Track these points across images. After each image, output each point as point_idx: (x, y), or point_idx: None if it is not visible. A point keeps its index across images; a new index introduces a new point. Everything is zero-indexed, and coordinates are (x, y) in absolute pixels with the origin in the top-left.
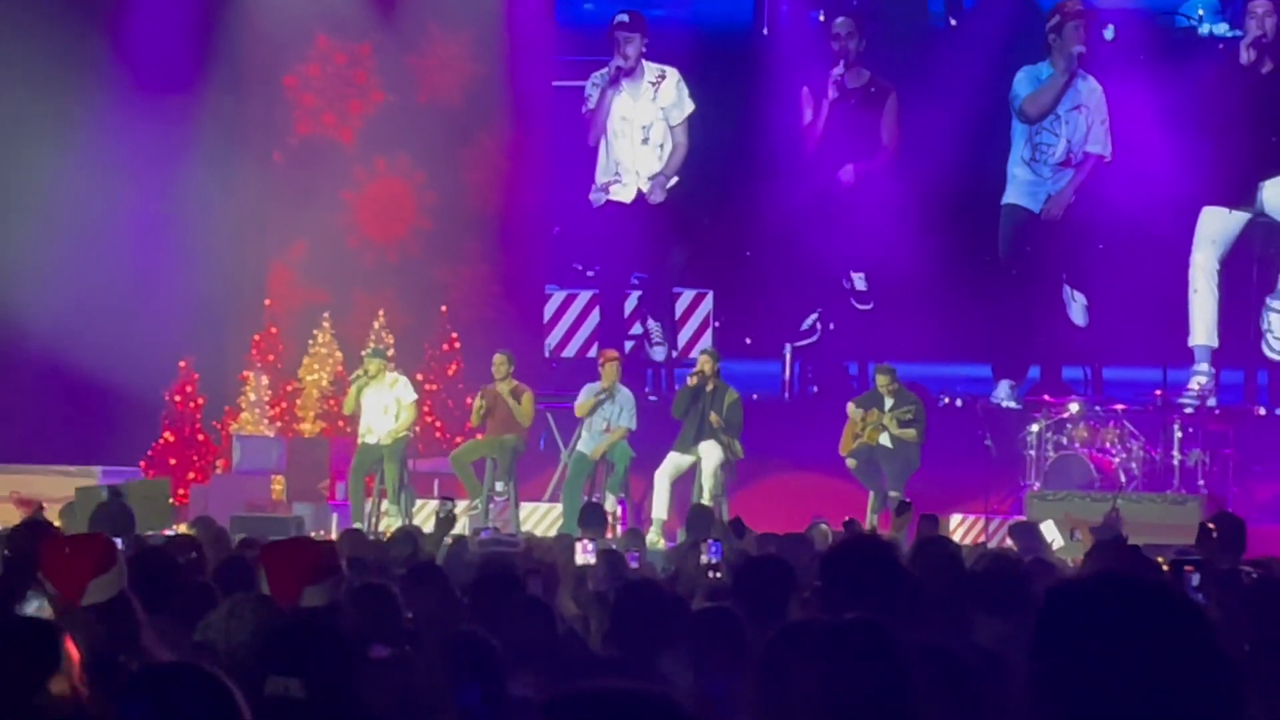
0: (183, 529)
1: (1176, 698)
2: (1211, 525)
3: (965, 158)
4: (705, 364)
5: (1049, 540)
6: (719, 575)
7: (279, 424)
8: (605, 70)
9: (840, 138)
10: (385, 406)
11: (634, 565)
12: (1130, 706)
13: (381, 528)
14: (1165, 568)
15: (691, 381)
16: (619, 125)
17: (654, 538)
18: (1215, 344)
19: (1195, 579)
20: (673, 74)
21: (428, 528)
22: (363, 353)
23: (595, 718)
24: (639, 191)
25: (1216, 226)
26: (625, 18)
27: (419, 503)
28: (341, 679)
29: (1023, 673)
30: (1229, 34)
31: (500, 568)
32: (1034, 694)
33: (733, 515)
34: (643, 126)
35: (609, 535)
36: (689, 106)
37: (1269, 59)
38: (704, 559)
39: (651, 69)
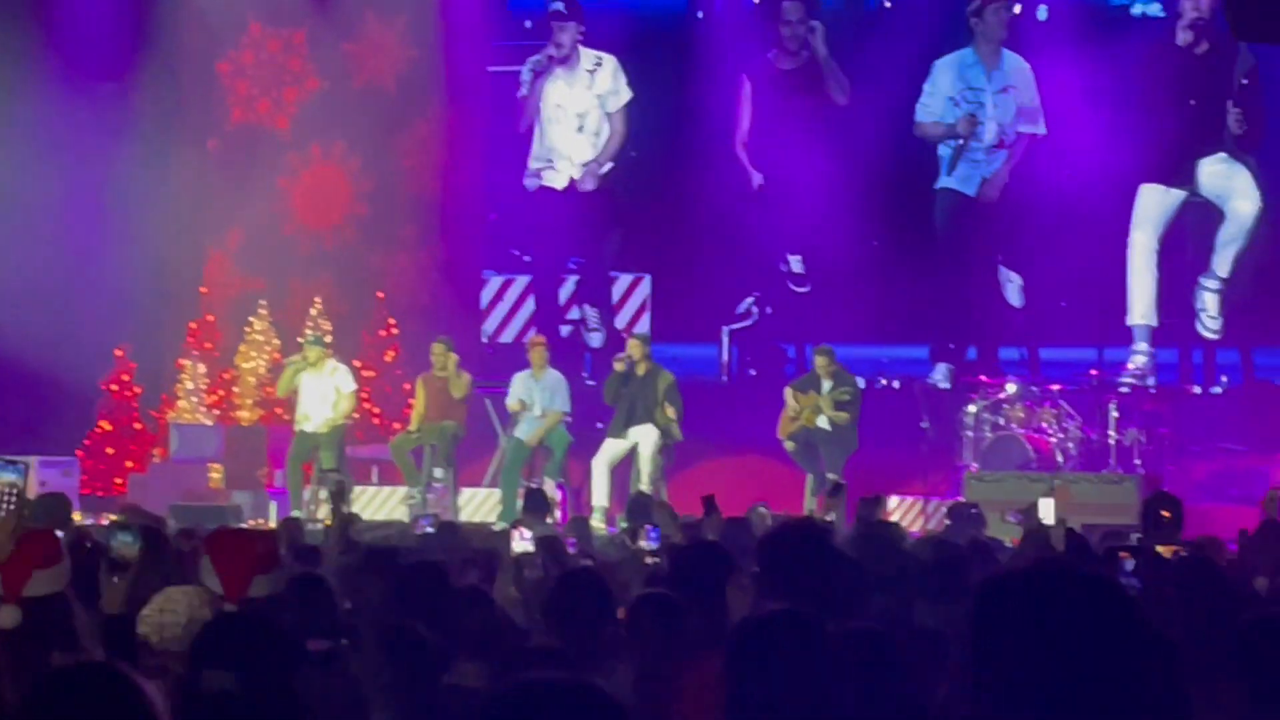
0: (114, 518)
1: (1110, 685)
2: (1166, 514)
3: (901, 140)
4: (633, 349)
5: (1043, 518)
6: (657, 561)
7: (216, 412)
8: (539, 56)
9: (779, 122)
10: (324, 394)
11: (573, 552)
12: (1064, 695)
13: (320, 515)
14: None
15: (619, 366)
16: (554, 112)
17: (595, 524)
18: (1154, 323)
19: (1130, 564)
20: (610, 61)
21: (365, 514)
22: (301, 339)
23: (529, 711)
24: (570, 179)
25: (1154, 205)
26: (560, 6)
27: (356, 490)
28: (277, 672)
29: (959, 662)
30: (1162, 15)
31: (431, 558)
32: (971, 684)
33: (680, 498)
34: (578, 114)
35: (550, 521)
36: (626, 94)
37: (1205, 39)
38: (642, 545)
39: (588, 56)
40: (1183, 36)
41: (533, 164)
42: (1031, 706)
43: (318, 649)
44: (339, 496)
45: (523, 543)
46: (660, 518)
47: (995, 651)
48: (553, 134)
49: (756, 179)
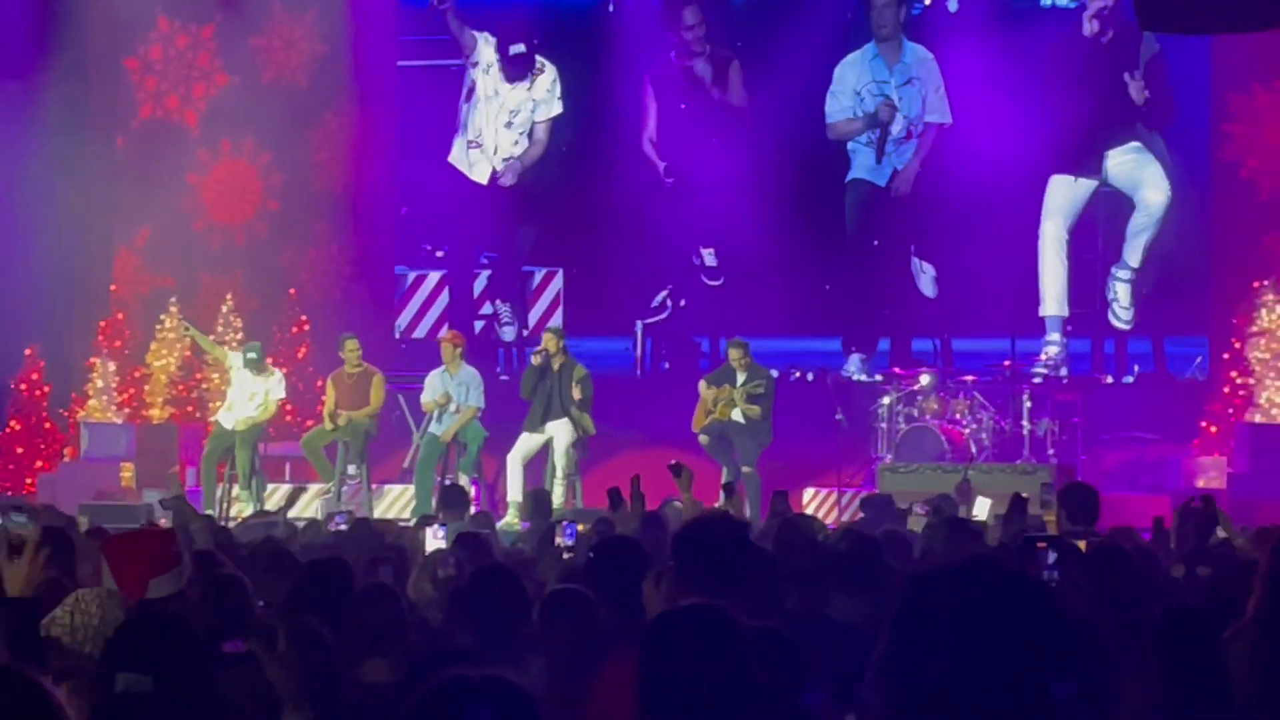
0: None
1: (1030, 682)
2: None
3: (810, 133)
4: (549, 342)
5: (975, 514)
6: (571, 556)
7: (127, 410)
8: (497, 54)
9: (684, 119)
10: (253, 394)
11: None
12: (984, 692)
13: (233, 513)
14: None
15: (536, 360)
16: (491, 97)
17: (511, 519)
18: (1066, 313)
19: (1051, 556)
20: (551, 71)
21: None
22: (248, 354)
23: (448, 708)
24: (493, 172)
25: (1063, 195)
26: (522, 49)
27: (270, 487)
28: (192, 673)
29: (878, 659)
30: (1071, 5)
31: (333, 554)
32: (889, 678)
33: (591, 492)
34: (511, 110)
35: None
36: (557, 108)
37: (1110, 28)
38: (559, 541)
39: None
40: (1089, 26)
41: (457, 150)
42: (951, 703)
43: (235, 650)
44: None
45: (436, 540)
46: (620, 513)
47: (917, 647)
48: (485, 114)
49: (666, 178)
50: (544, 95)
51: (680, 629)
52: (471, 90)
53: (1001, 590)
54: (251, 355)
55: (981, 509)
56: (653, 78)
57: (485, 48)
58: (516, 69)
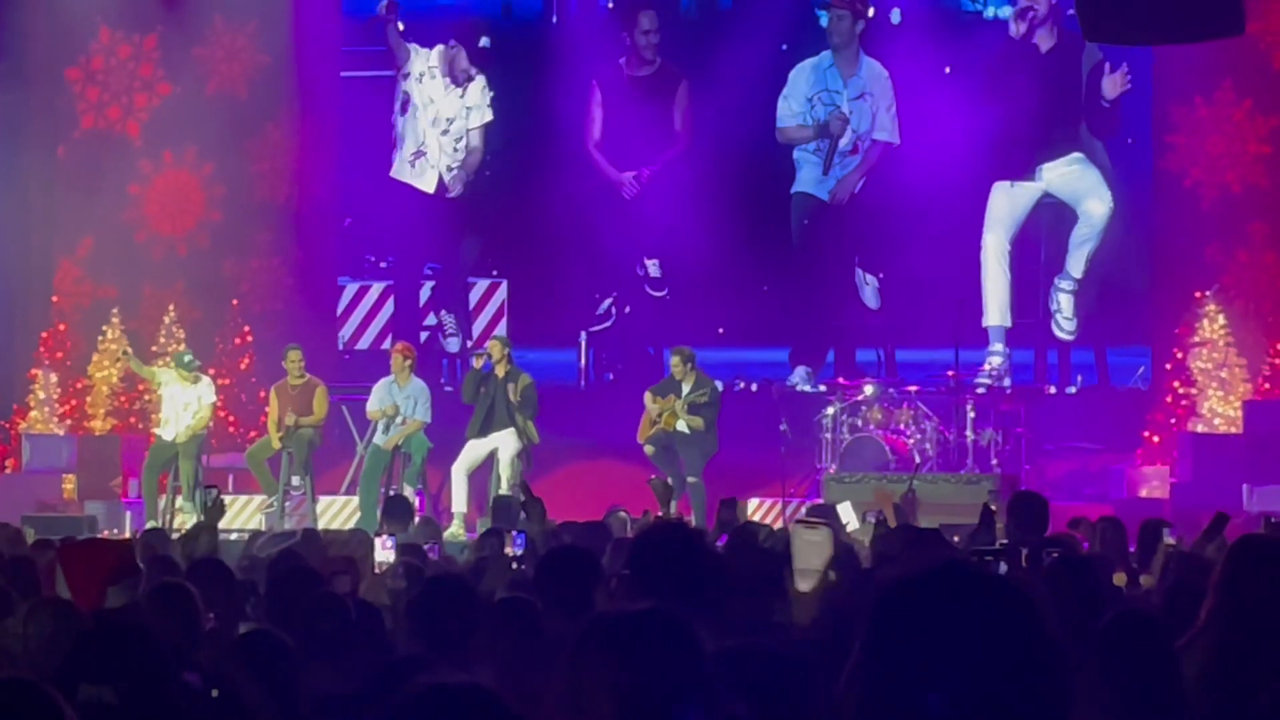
0: None
1: (1009, 688)
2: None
3: (755, 144)
4: (493, 349)
5: (845, 522)
6: (521, 566)
7: (69, 422)
8: (429, 54)
9: (631, 128)
10: (187, 403)
11: (434, 558)
12: (962, 697)
13: (176, 524)
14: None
15: (477, 364)
16: (426, 105)
17: (456, 530)
18: (1009, 324)
19: (1002, 567)
20: (480, 80)
21: (222, 523)
22: (177, 358)
23: (426, 716)
24: (440, 179)
25: (1005, 206)
26: (488, 41)
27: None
28: (154, 684)
29: (852, 665)
30: (1009, 16)
31: (294, 564)
32: (861, 683)
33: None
34: (447, 118)
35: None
36: (488, 115)
37: (1051, 39)
38: (508, 550)
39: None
40: (1015, 27)
41: (398, 164)
42: (927, 708)
43: (193, 683)
44: (217, 510)
45: (385, 551)
46: (533, 513)
47: (892, 652)
48: (420, 128)
49: (629, 187)
50: (476, 101)
51: (614, 633)
52: (406, 102)
53: (979, 594)
54: (187, 358)
55: (845, 514)
56: (601, 84)
57: (417, 59)
58: (473, 64)
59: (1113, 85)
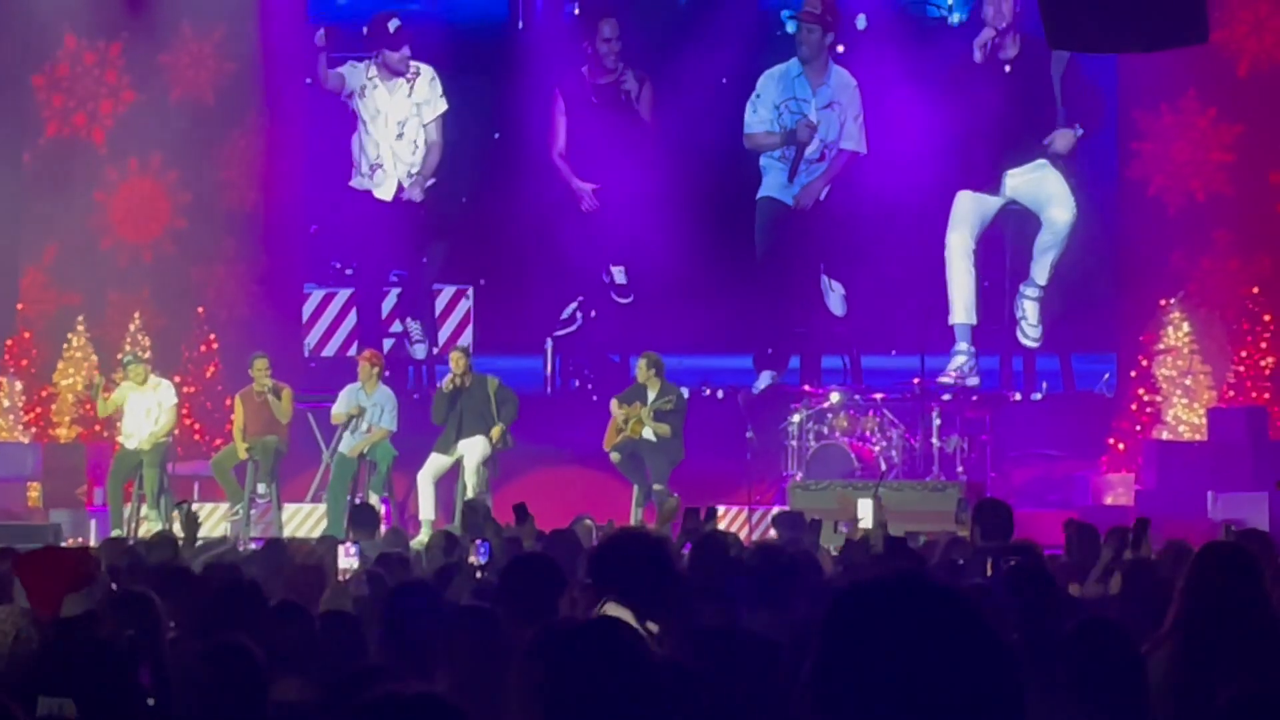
0: None
1: (960, 698)
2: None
3: (721, 150)
4: (456, 363)
5: (860, 518)
6: (483, 575)
7: (34, 430)
8: (368, 65)
9: (594, 136)
10: (148, 410)
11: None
12: (912, 707)
13: (141, 533)
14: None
15: (446, 387)
16: (375, 117)
17: (424, 538)
18: (974, 321)
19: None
20: (427, 71)
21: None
22: (120, 358)
23: None
24: (399, 186)
25: (969, 209)
26: (399, 22)
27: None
28: (113, 694)
29: (804, 675)
30: (964, 19)
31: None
32: (813, 694)
33: (497, 510)
34: (398, 122)
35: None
36: (441, 105)
37: (1014, 47)
38: (472, 559)
39: (408, 65)
40: (978, 54)
41: (357, 180)
42: (875, 715)
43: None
44: (193, 523)
45: (349, 559)
46: (487, 531)
47: (844, 662)
48: (374, 141)
49: (587, 200)
50: (425, 95)
51: (576, 642)
52: (355, 119)
53: (929, 604)
54: (128, 361)
55: (864, 512)
56: (564, 91)
57: (353, 73)
58: (395, 48)
59: (1065, 141)
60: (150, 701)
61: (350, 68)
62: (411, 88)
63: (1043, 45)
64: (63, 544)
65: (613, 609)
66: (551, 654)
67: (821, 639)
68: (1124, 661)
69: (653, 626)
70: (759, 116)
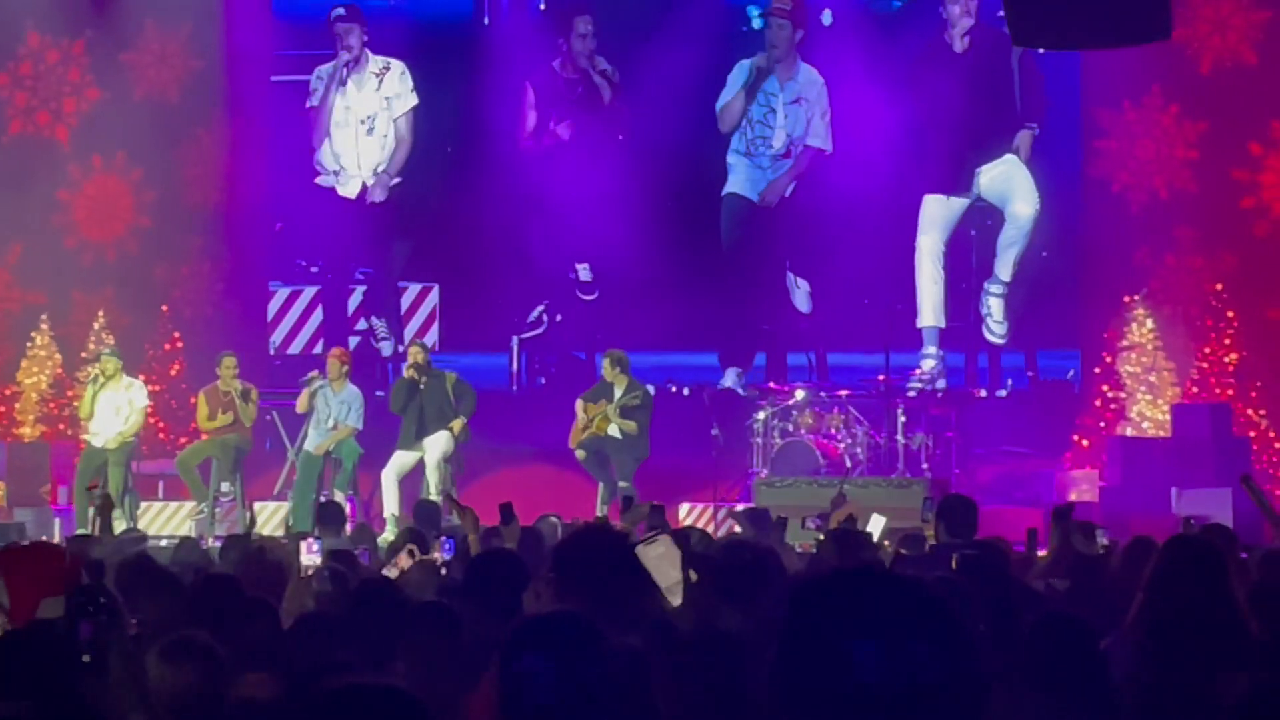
0: None
1: (925, 688)
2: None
3: (686, 148)
4: (417, 354)
5: (870, 532)
6: (446, 572)
7: None
8: (330, 65)
9: (564, 128)
10: (118, 408)
11: (365, 563)
12: (878, 696)
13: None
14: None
15: (408, 374)
16: (341, 116)
17: (389, 535)
18: (943, 324)
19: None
20: (397, 66)
21: (152, 529)
22: (103, 351)
23: (339, 716)
24: (363, 186)
25: (938, 212)
26: (341, 10)
27: (143, 505)
28: (72, 696)
29: (768, 666)
30: (942, 19)
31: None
32: (780, 688)
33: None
34: (367, 117)
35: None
36: (412, 100)
37: (978, 43)
38: (436, 555)
39: (376, 60)
40: (960, 44)
41: (323, 179)
42: (841, 710)
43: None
44: (105, 509)
45: (310, 555)
46: (465, 522)
47: (807, 653)
48: (340, 139)
49: (564, 130)
50: (396, 89)
51: (546, 634)
52: (322, 120)
53: (891, 594)
54: (106, 353)
55: (875, 526)
56: (535, 85)
57: (320, 83)
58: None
59: (1025, 142)
60: (85, 658)
61: (316, 79)
62: (381, 82)
63: (1006, 40)
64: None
65: (663, 544)
66: (525, 645)
67: (784, 631)
68: (1086, 655)
69: (694, 575)
70: (728, 90)
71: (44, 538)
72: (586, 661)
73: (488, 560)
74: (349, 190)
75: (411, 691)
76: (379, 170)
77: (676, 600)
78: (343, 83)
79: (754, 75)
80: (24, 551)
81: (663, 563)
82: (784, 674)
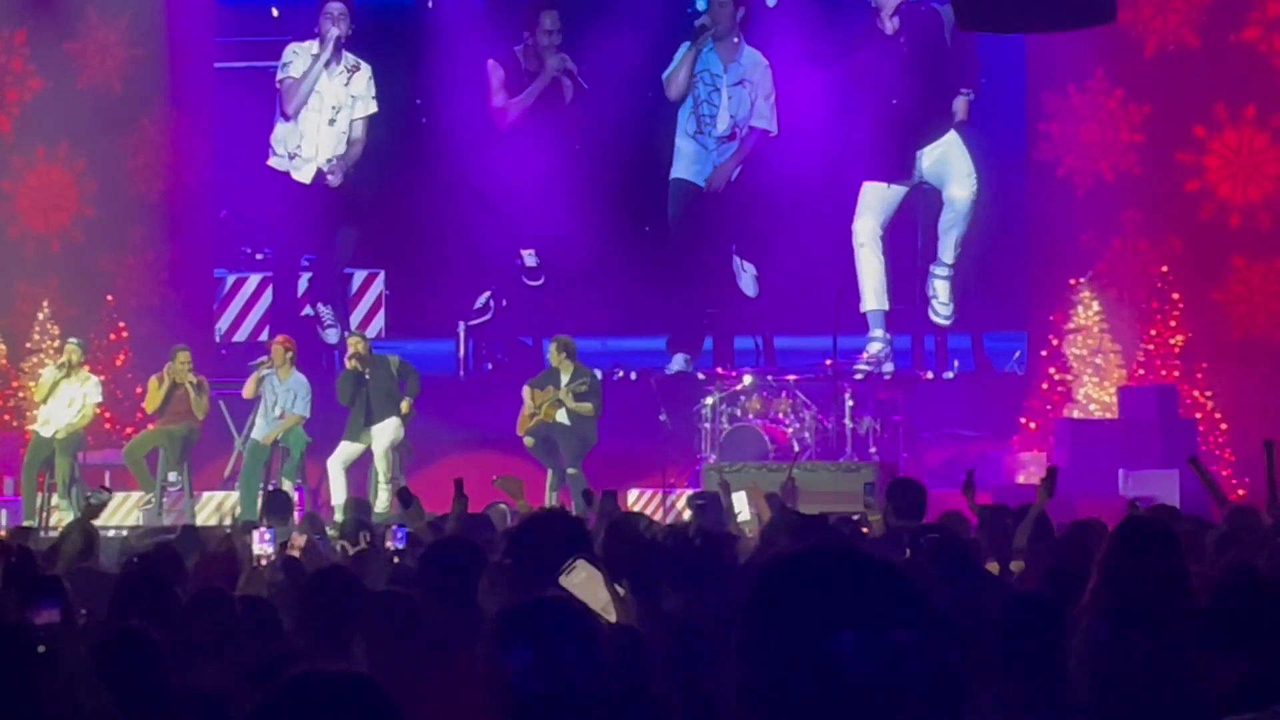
0: None
1: (908, 679)
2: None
3: (633, 132)
4: (358, 345)
5: (737, 512)
6: (400, 561)
7: None
8: (307, 46)
9: (521, 118)
10: (71, 399)
11: (321, 551)
12: (843, 679)
13: (53, 522)
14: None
15: (351, 365)
16: (313, 99)
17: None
18: (887, 307)
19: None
20: (366, 69)
21: (99, 520)
22: (71, 340)
23: (303, 705)
24: (318, 171)
25: (876, 196)
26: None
27: (102, 494)
28: (17, 682)
29: (733, 649)
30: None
31: (164, 559)
32: (749, 682)
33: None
34: (332, 106)
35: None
36: (372, 106)
37: (911, 25)
38: (389, 544)
39: (349, 57)
40: (890, 25)
41: (279, 149)
42: (808, 692)
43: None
44: (96, 509)
45: (263, 545)
46: (413, 511)
47: (776, 646)
48: (306, 120)
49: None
50: (361, 92)
51: (533, 621)
52: (274, 101)
53: (859, 574)
54: (73, 343)
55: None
56: (501, 63)
57: (297, 59)
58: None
59: (961, 106)
60: (40, 649)
61: (292, 53)
62: (350, 79)
63: (936, 16)
64: None
65: (583, 569)
66: (515, 631)
67: (747, 613)
68: (1049, 638)
69: (621, 589)
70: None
71: None
72: (576, 649)
73: (442, 548)
74: (303, 175)
75: (374, 678)
76: (333, 160)
77: (613, 617)
78: (327, 65)
79: (697, 38)
80: None
81: (587, 587)
82: (752, 667)
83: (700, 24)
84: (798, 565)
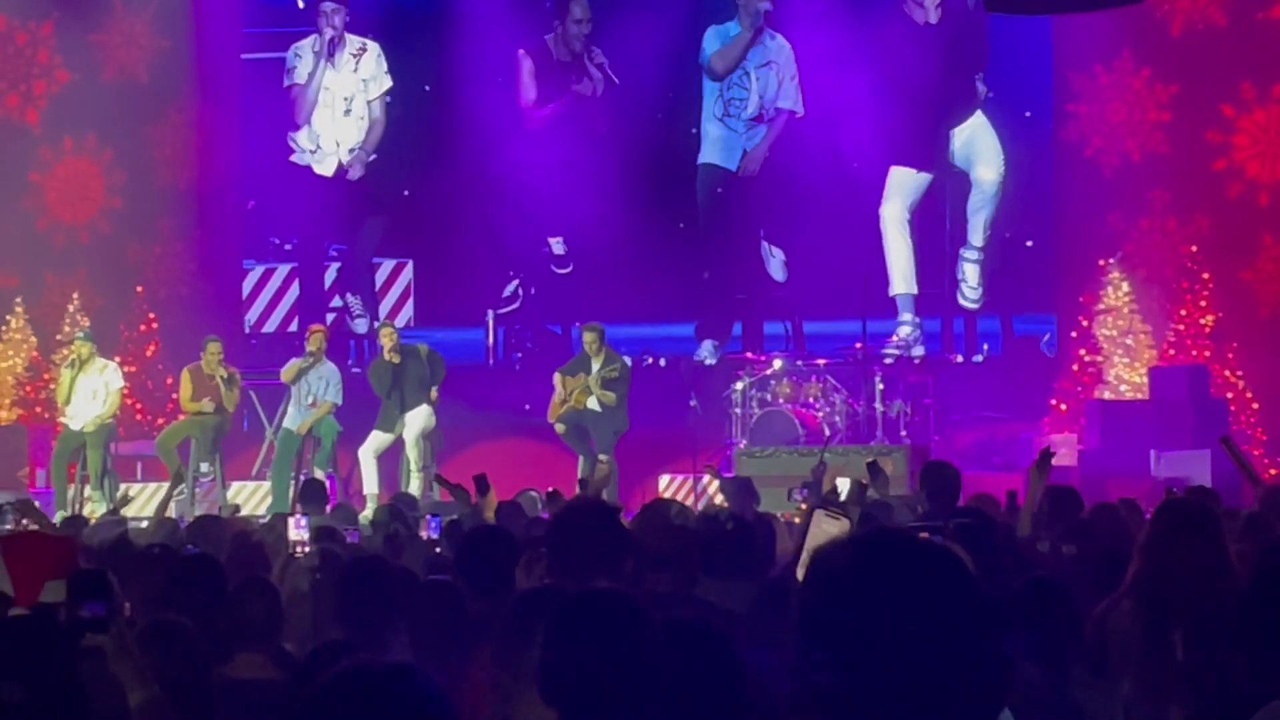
0: None
1: (950, 654)
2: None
3: (660, 119)
4: (391, 336)
5: (840, 494)
6: (439, 550)
7: None
8: (309, 43)
9: (552, 107)
10: (94, 391)
11: (354, 541)
12: (901, 664)
13: (86, 514)
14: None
15: (390, 358)
16: (322, 96)
17: (369, 513)
18: (915, 291)
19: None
20: (374, 47)
21: (130, 511)
22: (76, 335)
23: (354, 697)
24: (339, 164)
25: (902, 180)
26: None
27: (122, 487)
28: (65, 680)
29: (790, 640)
30: None
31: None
32: (799, 656)
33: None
34: (344, 98)
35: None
36: (386, 82)
37: (945, 12)
38: (424, 534)
39: (353, 41)
40: (933, 15)
41: (298, 156)
42: (867, 677)
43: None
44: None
45: (298, 531)
46: (457, 497)
47: (829, 622)
48: (320, 118)
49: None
50: (372, 72)
51: (590, 613)
52: (307, 100)
53: (914, 559)
54: (80, 337)
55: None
56: (531, 54)
57: (303, 60)
58: (335, 11)
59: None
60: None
61: (294, 56)
62: (358, 63)
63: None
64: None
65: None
66: (572, 621)
67: (803, 598)
68: (1065, 619)
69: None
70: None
71: (25, 523)
72: (630, 639)
73: (479, 536)
74: (325, 168)
75: (424, 670)
76: (354, 149)
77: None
78: (330, 59)
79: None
80: (25, 538)
81: (825, 538)
82: (812, 665)
83: (761, 9)
84: (851, 551)
